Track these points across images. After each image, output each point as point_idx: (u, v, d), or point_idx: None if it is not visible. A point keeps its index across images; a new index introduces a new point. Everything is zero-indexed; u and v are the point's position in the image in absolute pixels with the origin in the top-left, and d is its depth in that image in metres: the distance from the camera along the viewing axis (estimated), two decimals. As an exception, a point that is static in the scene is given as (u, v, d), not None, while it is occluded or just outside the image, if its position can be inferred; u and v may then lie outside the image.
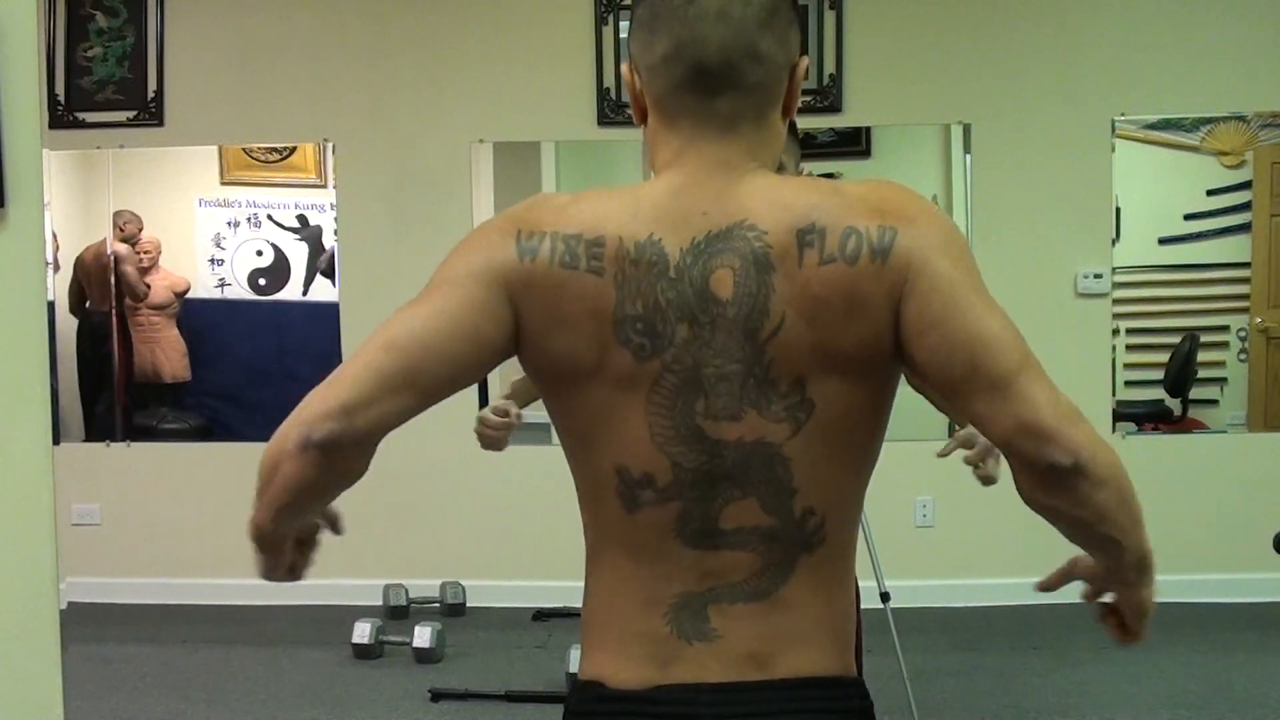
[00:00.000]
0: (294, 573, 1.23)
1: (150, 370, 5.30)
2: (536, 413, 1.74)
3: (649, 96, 1.21)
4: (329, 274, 5.16)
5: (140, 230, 5.21)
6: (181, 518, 5.23)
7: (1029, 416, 1.07)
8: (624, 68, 1.23)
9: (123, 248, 5.18)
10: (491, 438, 2.34)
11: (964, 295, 1.11)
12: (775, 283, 1.11)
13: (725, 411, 1.13)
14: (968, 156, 4.99)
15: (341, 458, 1.10)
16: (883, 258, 1.11)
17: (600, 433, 1.16)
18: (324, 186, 5.18)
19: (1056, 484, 1.09)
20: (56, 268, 5.16)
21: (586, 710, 1.21)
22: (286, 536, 1.19)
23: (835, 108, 4.96)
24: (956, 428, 2.43)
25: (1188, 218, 5.02)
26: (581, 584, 1.26)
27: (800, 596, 1.17)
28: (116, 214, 5.20)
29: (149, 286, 5.22)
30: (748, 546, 1.16)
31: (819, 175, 4.94)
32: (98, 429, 5.31)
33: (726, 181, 1.16)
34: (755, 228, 1.13)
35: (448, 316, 1.12)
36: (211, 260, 5.23)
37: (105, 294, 5.22)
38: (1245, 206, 5.00)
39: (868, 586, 2.66)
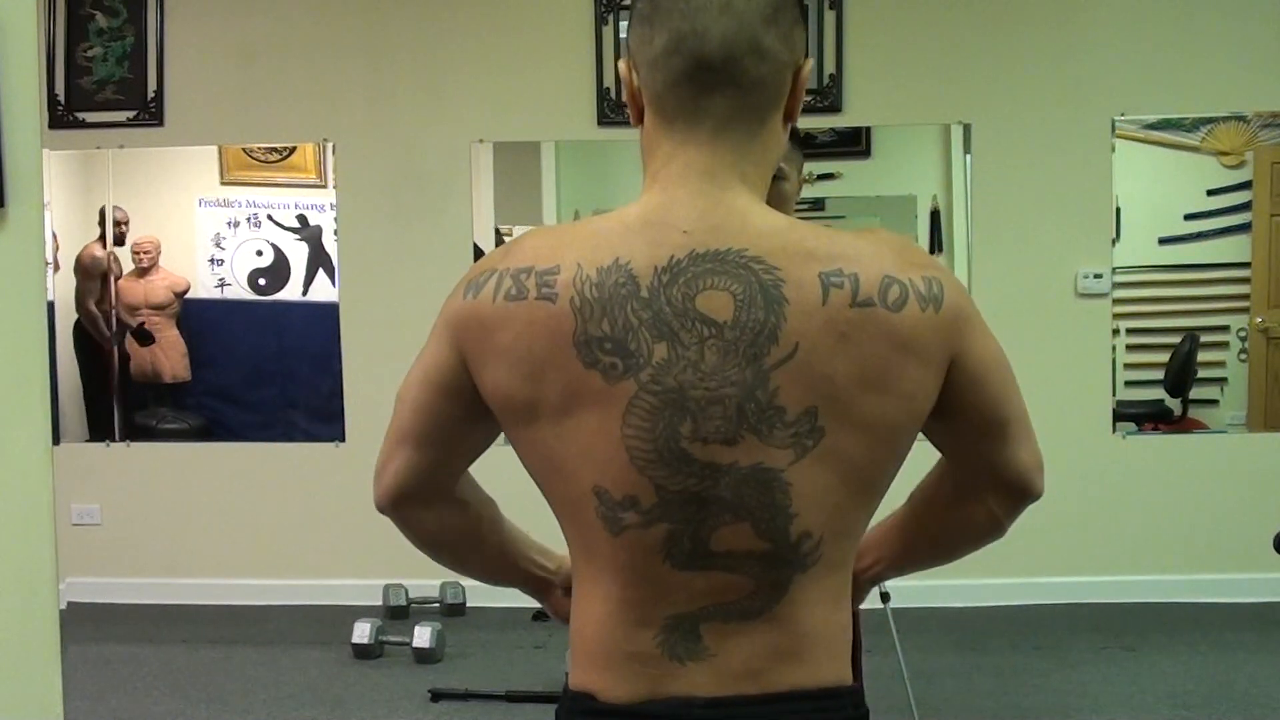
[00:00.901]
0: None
1: (150, 370, 5.30)
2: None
3: (646, 94, 1.18)
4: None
5: (126, 224, 5.19)
6: (181, 518, 5.23)
7: (1038, 453, 1.24)
8: (621, 64, 1.20)
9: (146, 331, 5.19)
10: None
11: (995, 344, 1.20)
12: (787, 313, 1.10)
13: (717, 435, 1.10)
14: (968, 156, 4.99)
15: (400, 516, 1.27)
16: (935, 306, 1.13)
17: (571, 455, 1.14)
18: (324, 186, 5.18)
19: (1025, 508, 1.26)
20: (56, 268, 5.16)
21: None
22: (537, 589, 1.39)
23: (835, 108, 4.96)
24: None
25: (1188, 218, 5.02)
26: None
27: (795, 613, 1.15)
28: (111, 210, 5.20)
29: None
30: (740, 570, 1.14)
31: (819, 175, 4.99)
32: (98, 429, 5.31)
33: (711, 200, 1.14)
34: (763, 261, 1.11)
35: (419, 369, 1.22)
36: (211, 260, 5.22)
37: (103, 294, 5.22)
38: (1245, 206, 5.00)
39: (868, 587, 2.65)
